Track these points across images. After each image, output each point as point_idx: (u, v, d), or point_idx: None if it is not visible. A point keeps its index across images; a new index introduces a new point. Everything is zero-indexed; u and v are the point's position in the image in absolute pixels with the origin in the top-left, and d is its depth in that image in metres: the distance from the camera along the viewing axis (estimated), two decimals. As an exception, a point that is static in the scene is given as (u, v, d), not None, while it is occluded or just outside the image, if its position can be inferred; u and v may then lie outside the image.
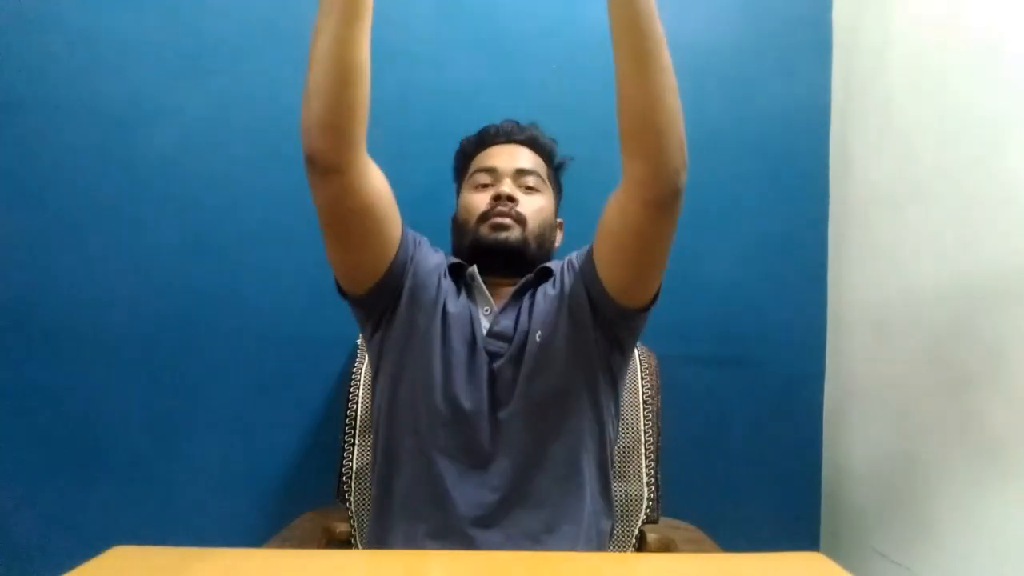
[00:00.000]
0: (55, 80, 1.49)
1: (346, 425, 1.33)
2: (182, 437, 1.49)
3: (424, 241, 1.15)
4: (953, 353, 1.18)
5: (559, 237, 1.24)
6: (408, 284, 1.08)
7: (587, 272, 1.07)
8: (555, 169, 1.24)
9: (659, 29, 0.90)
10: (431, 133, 1.52)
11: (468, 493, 1.01)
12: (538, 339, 1.05)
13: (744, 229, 1.59)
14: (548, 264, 1.15)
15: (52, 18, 1.49)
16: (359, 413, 1.33)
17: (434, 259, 1.13)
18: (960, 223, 1.18)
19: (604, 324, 1.07)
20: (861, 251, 1.50)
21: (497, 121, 1.22)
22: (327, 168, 0.94)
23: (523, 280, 1.12)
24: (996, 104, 1.11)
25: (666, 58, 0.92)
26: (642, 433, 1.32)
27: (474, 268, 1.12)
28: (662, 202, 0.95)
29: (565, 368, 1.04)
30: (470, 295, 1.12)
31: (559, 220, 1.23)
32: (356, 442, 1.33)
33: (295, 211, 1.52)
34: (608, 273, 1.03)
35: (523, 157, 1.18)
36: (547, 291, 1.11)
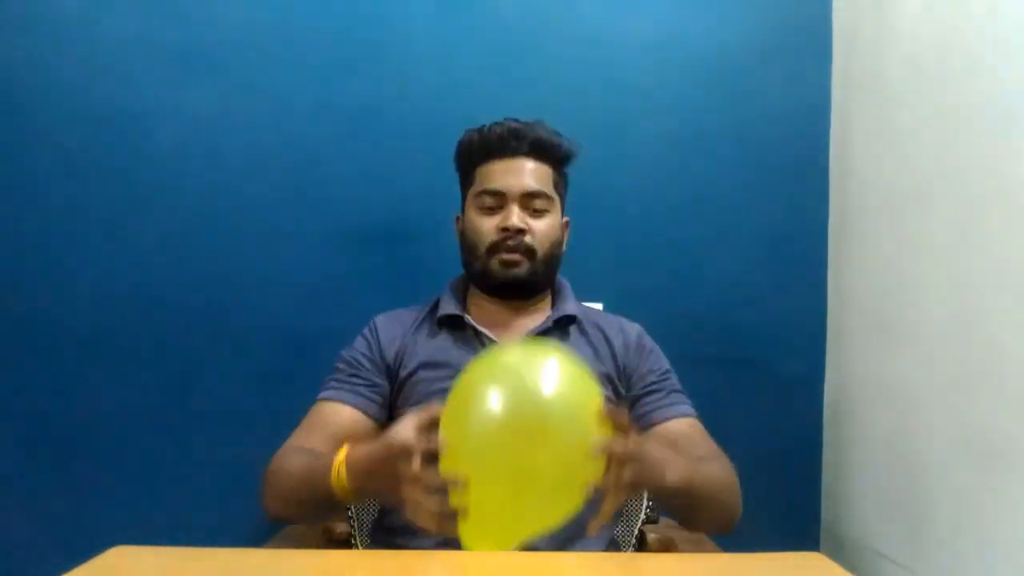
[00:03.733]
0: (55, 80, 1.49)
1: (346, 425, 1.32)
2: (182, 437, 1.49)
3: (374, 369, 1.16)
4: (953, 353, 1.18)
5: (566, 236, 1.24)
6: (398, 378, 1.15)
7: (631, 413, 1.13)
8: (561, 166, 1.21)
9: (709, 487, 0.99)
10: (431, 132, 1.52)
11: None
12: None
13: (744, 229, 1.59)
14: (569, 313, 1.18)
15: (52, 18, 1.49)
16: (359, 413, 1.33)
17: (393, 347, 1.16)
18: (960, 223, 1.18)
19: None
20: (861, 251, 1.50)
21: (497, 118, 1.20)
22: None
23: (539, 329, 1.16)
24: (996, 104, 1.11)
25: (718, 501, 1.01)
26: (642, 433, 1.32)
27: (470, 319, 1.16)
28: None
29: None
30: (478, 337, 1.16)
31: (565, 219, 1.23)
32: (356, 442, 1.33)
33: (295, 211, 1.53)
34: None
35: (529, 175, 1.15)
36: (577, 348, 1.15)
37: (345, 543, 1.23)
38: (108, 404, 1.48)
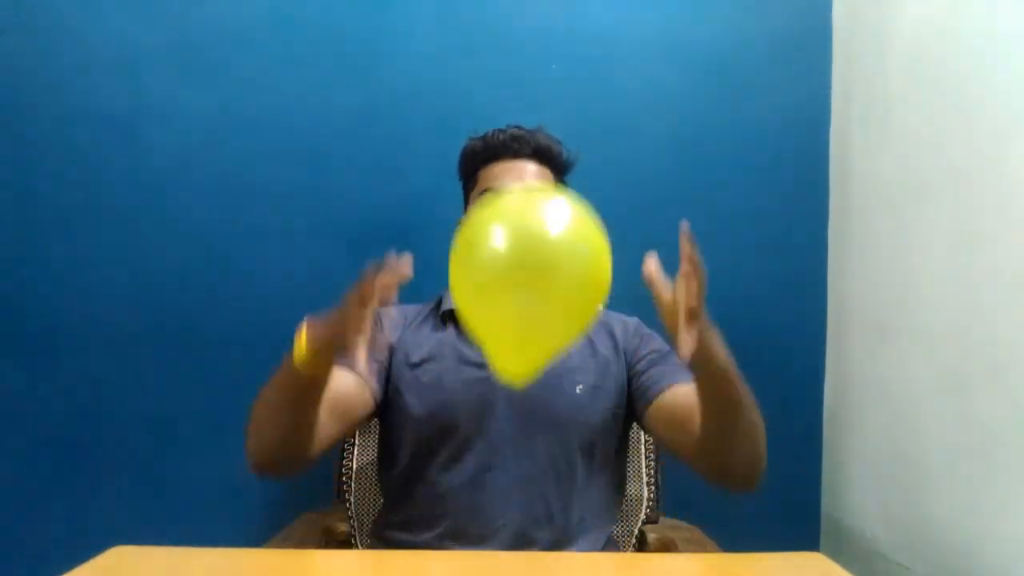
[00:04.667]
0: (55, 80, 1.49)
1: (346, 425, 1.33)
2: (182, 437, 1.49)
3: (384, 335, 1.15)
4: (953, 353, 1.18)
5: None
6: (392, 378, 1.13)
7: (634, 395, 1.13)
8: (562, 174, 1.23)
9: (743, 398, 0.92)
10: (431, 133, 1.52)
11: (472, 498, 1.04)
12: (578, 391, 1.10)
13: (744, 229, 1.59)
14: None
15: (52, 18, 1.49)
16: (359, 413, 1.33)
17: (395, 331, 1.16)
18: (960, 223, 1.18)
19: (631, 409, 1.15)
20: (861, 251, 1.50)
21: (497, 122, 1.21)
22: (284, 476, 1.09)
23: None
24: (996, 104, 1.11)
25: (748, 419, 0.93)
26: (642, 433, 1.32)
27: None
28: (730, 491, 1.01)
29: (593, 417, 1.10)
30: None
31: None
32: (356, 442, 1.33)
33: (295, 211, 1.53)
34: (649, 425, 1.11)
35: (530, 175, 1.17)
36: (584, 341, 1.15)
37: (345, 543, 1.23)
38: (108, 404, 1.48)
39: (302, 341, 0.87)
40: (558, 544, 1.03)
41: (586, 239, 0.78)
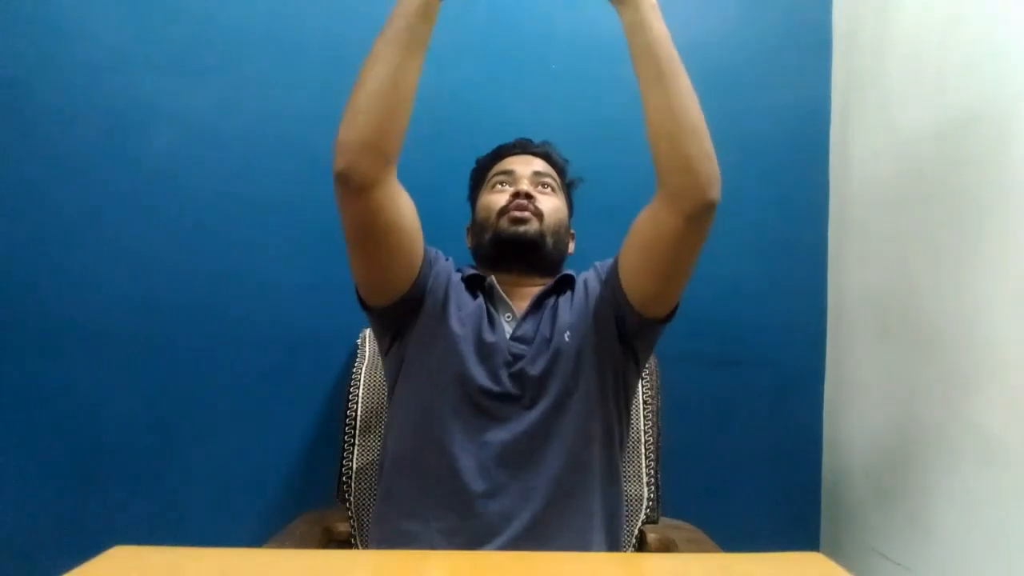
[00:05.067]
0: (55, 80, 1.49)
1: (346, 425, 1.33)
2: (182, 437, 1.49)
3: (439, 255, 1.19)
4: (953, 353, 1.18)
5: (571, 246, 1.27)
6: (429, 299, 1.12)
7: (612, 282, 1.10)
8: (567, 184, 1.28)
9: (673, 53, 0.98)
10: (431, 135, 1.52)
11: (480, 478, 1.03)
12: (567, 338, 1.08)
13: (745, 228, 1.59)
14: (569, 272, 1.19)
15: (52, 18, 1.49)
16: (359, 413, 1.33)
17: (444, 273, 1.16)
18: (960, 223, 1.18)
19: (624, 335, 1.11)
20: (861, 251, 1.50)
21: (497, 122, 1.24)
22: (361, 186, 0.98)
23: (544, 288, 1.16)
24: (996, 104, 1.11)
25: (683, 79, 0.99)
26: (642, 433, 1.32)
27: (492, 279, 1.16)
28: (697, 214, 0.98)
29: (586, 371, 1.08)
30: (491, 302, 1.15)
31: (571, 231, 1.27)
32: (356, 442, 1.33)
33: (295, 211, 1.53)
34: (633, 283, 1.07)
35: (539, 164, 1.23)
36: (571, 299, 1.15)
37: (345, 543, 1.23)
38: (108, 404, 1.48)
39: None
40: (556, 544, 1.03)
41: None
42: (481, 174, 1.27)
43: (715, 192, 0.97)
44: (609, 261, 1.14)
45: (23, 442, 1.46)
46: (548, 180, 1.21)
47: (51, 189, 1.48)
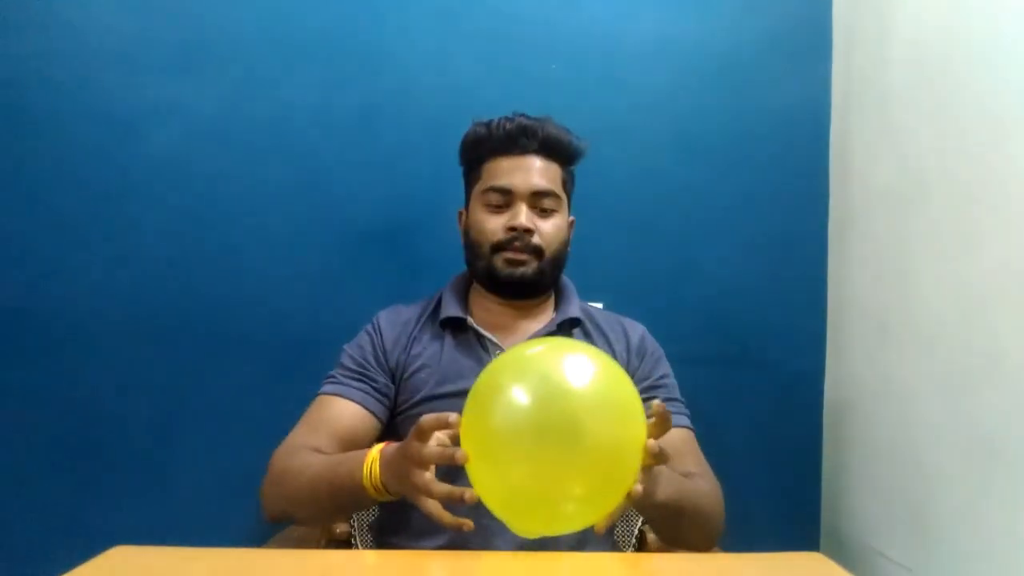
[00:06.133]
0: (55, 80, 1.49)
1: (346, 425, 1.32)
2: (182, 437, 1.49)
3: (377, 369, 1.15)
4: (953, 353, 1.18)
5: (570, 236, 1.23)
6: (403, 387, 1.14)
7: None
8: (570, 164, 1.21)
9: (695, 506, 0.97)
10: (432, 131, 1.52)
11: None
12: None
13: (744, 229, 1.59)
14: (574, 315, 1.17)
15: (52, 17, 1.49)
16: (359, 413, 1.33)
17: (397, 348, 1.16)
18: (960, 223, 1.18)
19: None
20: (861, 251, 1.50)
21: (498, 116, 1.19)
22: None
23: (544, 332, 1.16)
24: (996, 103, 1.11)
25: (697, 524, 1.00)
26: (642, 433, 1.31)
27: (472, 323, 1.16)
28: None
29: None
30: (480, 341, 1.15)
31: (571, 219, 1.22)
32: (356, 442, 1.33)
33: (296, 210, 1.53)
34: None
35: (538, 174, 1.14)
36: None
37: (345, 543, 1.23)
38: (108, 404, 1.48)
39: (374, 471, 0.88)
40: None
41: (615, 401, 0.73)
42: (474, 158, 1.18)
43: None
44: (645, 374, 1.16)
45: (23, 442, 1.46)
46: (548, 200, 1.14)
47: (51, 189, 1.48)
